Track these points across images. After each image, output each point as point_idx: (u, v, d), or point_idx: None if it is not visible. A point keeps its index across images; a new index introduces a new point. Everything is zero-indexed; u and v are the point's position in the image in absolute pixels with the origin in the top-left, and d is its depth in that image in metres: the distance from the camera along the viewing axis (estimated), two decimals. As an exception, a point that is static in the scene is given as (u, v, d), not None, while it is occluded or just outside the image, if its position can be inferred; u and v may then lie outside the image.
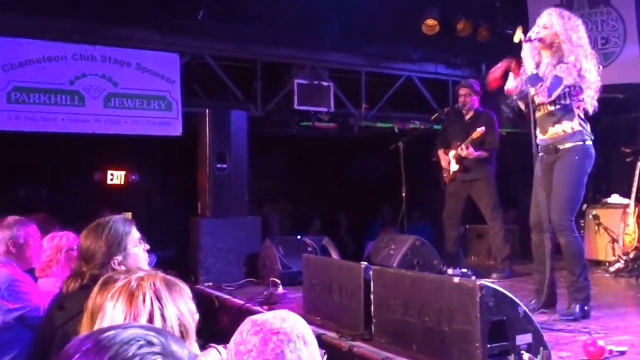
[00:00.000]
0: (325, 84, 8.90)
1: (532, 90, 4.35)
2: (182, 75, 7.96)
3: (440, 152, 6.91)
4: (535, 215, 4.54)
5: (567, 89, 4.31)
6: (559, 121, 4.37)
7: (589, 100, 4.35)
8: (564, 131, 4.36)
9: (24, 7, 7.11)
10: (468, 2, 9.03)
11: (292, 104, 8.68)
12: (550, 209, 4.32)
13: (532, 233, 4.57)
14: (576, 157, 4.33)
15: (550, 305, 4.47)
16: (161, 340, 1.02)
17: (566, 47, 4.31)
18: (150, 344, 1.00)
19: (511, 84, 4.61)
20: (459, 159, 6.66)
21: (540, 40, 4.34)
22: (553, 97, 4.29)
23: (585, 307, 4.27)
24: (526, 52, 4.37)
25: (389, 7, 8.17)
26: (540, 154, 4.53)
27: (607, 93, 5.27)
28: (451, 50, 9.72)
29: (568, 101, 4.35)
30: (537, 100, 4.41)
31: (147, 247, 2.80)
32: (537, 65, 4.40)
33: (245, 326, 1.71)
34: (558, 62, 4.32)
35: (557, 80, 4.26)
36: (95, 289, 1.88)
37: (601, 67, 4.48)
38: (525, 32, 4.42)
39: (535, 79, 4.30)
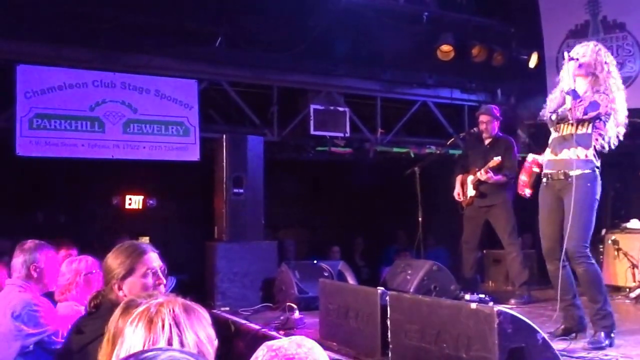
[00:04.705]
0: (341, 109, 8.95)
1: (568, 104, 4.26)
2: (199, 101, 8.06)
3: (457, 179, 6.88)
4: (546, 244, 4.52)
5: (594, 119, 4.29)
6: (574, 145, 4.32)
7: (614, 136, 4.34)
8: (577, 156, 4.30)
9: (46, 36, 7.24)
10: (482, 28, 9.07)
11: (308, 129, 8.73)
12: (566, 238, 4.27)
13: (547, 262, 4.55)
14: (588, 185, 4.30)
15: (580, 331, 4.45)
16: None
17: (603, 78, 4.31)
18: None
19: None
20: (477, 185, 6.64)
21: (581, 65, 4.33)
22: (587, 117, 4.23)
23: (612, 335, 4.23)
24: (567, 69, 4.31)
25: (404, 33, 8.23)
26: (545, 180, 4.52)
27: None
28: (466, 76, 9.74)
29: (590, 130, 4.31)
30: (570, 115, 4.28)
31: (163, 281, 2.74)
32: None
33: (261, 352, 1.72)
34: (594, 92, 4.31)
35: (596, 104, 4.24)
36: (117, 312, 1.89)
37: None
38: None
39: (575, 93, 4.25)
